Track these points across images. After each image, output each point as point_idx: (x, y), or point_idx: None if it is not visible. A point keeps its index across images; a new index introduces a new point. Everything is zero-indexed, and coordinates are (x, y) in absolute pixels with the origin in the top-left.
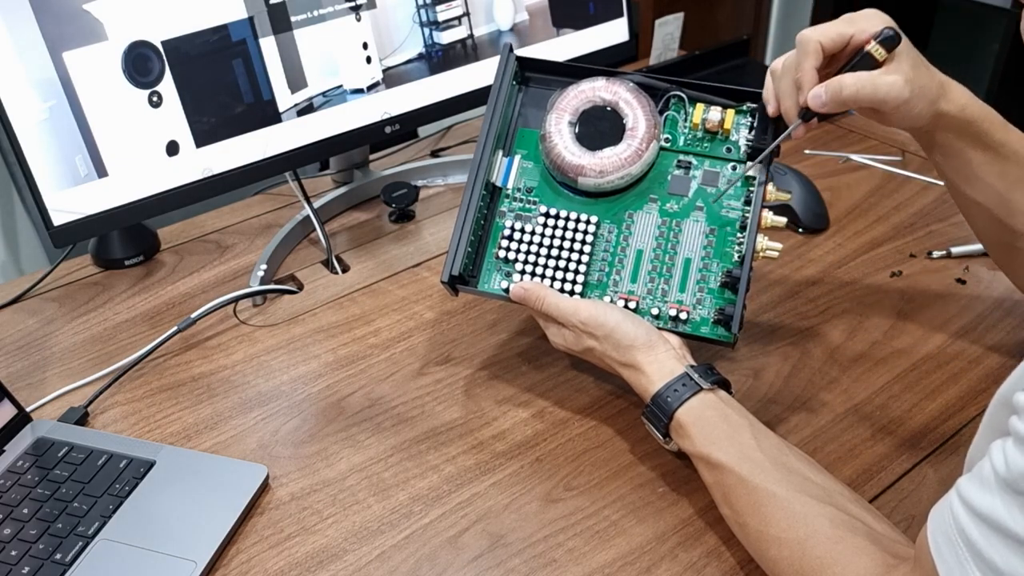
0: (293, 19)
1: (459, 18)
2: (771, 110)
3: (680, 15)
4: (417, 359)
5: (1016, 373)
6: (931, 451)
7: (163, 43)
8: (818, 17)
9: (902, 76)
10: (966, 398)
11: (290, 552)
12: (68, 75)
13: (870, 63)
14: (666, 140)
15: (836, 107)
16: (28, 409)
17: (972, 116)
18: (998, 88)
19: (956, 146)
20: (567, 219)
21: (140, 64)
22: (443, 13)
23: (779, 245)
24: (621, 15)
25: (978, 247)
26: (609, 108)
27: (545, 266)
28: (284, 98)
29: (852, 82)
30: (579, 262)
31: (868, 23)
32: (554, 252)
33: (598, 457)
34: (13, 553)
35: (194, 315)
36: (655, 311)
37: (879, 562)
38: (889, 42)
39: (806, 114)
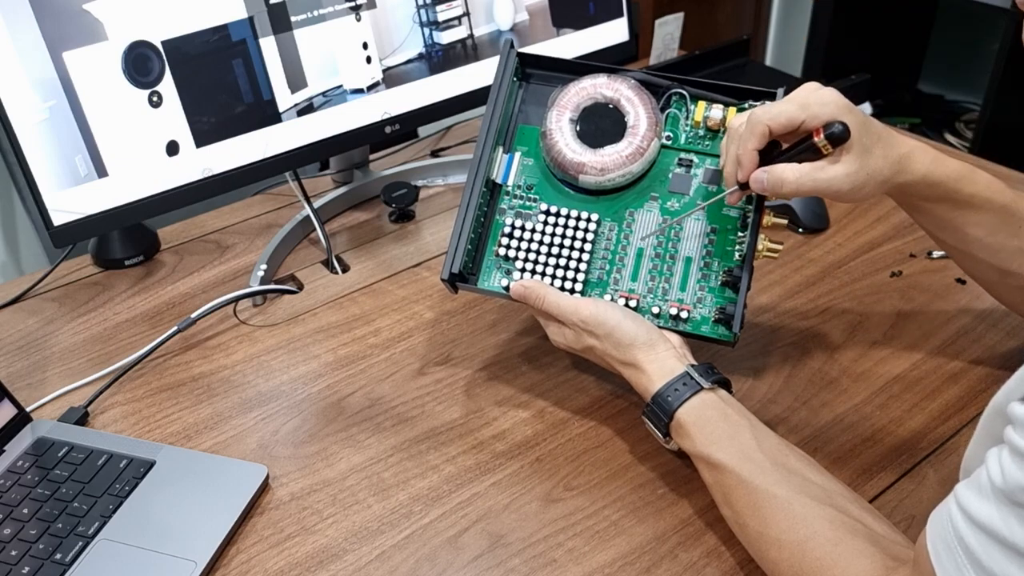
0: (293, 19)
1: (459, 18)
2: (720, 163)
3: (680, 15)
4: (417, 359)
5: (1010, 383)
6: (931, 451)
7: (163, 43)
8: (818, 17)
9: (844, 169)
10: (966, 398)
11: (290, 552)
12: (68, 75)
13: (815, 152)
14: (667, 138)
15: (775, 197)
16: (28, 409)
17: (937, 179)
18: (998, 88)
19: (924, 206)
20: (568, 217)
21: (140, 64)
22: (443, 13)
23: (780, 245)
24: (621, 15)
25: None
26: (611, 105)
27: (545, 264)
28: (284, 98)
29: (792, 179)
30: (579, 260)
31: (821, 109)
32: (554, 250)
33: (598, 457)
34: (13, 553)
35: (194, 315)
36: (656, 310)
37: (879, 564)
38: (835, 138)
39: (744, 185)
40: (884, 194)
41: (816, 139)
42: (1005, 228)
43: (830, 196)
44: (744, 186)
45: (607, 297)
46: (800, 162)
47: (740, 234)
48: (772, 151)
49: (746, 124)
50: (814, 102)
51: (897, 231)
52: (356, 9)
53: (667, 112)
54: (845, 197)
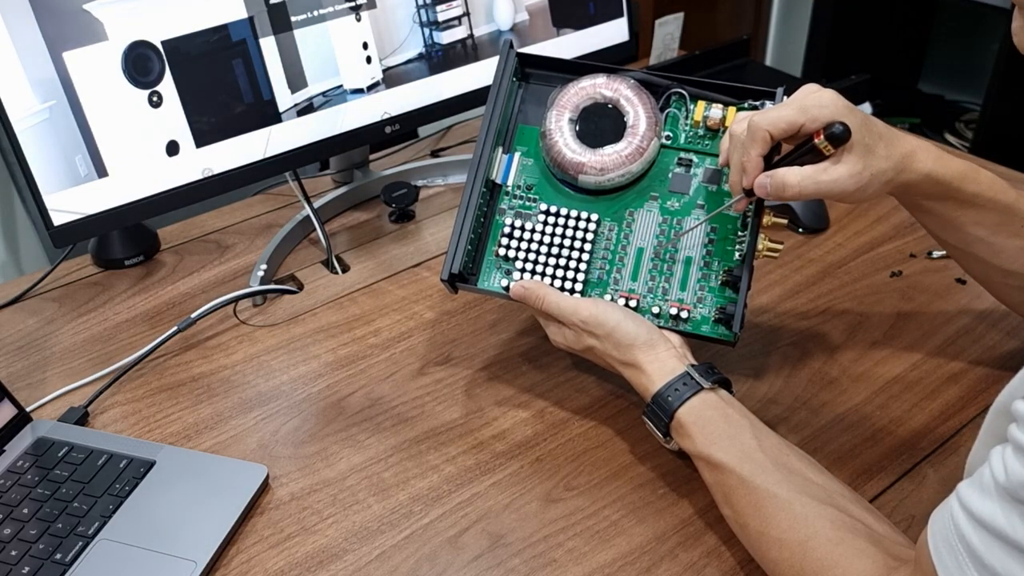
0: (293, 19)
1: (459, 18)
2: (721, 161)
3: (680, 15)
4: (417, 359)
5: (1014, 381)
6: (931, 451)
7: (163, 43)
8: (818, 17)
9: (848, 170)
10: (966, 398)
11: (290, 552)
12: (68, 75)
13: (817, 154)
14: (667, 138)
15: (778, 200)
16: (28, 409)
17: (940, 178)
18: (998, 88)
19: (927, 205)
20: (567, 217)
21: (140, 64)
22: (443, 13)
23: (781, 245)
24: (621, 15)
25: None
26: (610, 105)
27: (545, 264)
28: (284, 98)
29: (795, 182)
30: (579, 260)
31: (820, 111)
32: (554, 250)
33: (598, 457)
34: (13, 553)
35: (194, 315)
36: (656, 309)
37: (880, 564)
38: (836, 138)
39: (750, 192)
40: (887, 193)
41: (817, 140)
42: (1007, 228)
43: (834, 197)
44: (749, 192)
45: (607, 297)
46: (802, 165)
47: (740, 234)
48: (773, 154)
49: (747, 131)
50: (813, 104)
51: (897, 231)
52: (356, 9)
53: (667, 112)
54: (850, 198)
